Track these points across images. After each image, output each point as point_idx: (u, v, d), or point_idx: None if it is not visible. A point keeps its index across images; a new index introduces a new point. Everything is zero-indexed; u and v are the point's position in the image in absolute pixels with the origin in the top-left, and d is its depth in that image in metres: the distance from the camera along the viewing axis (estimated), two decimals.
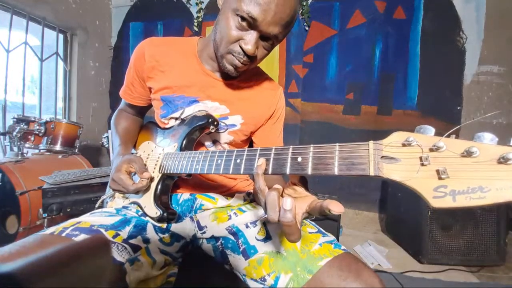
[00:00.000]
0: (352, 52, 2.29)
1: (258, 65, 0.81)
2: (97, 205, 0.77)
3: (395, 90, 2.22)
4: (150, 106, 0.88)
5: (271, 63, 2.46)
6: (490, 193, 0.27)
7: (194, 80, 0.73)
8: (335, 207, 0.37)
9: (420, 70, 2.15)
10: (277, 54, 2.46)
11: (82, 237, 0.51)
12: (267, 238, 0.59)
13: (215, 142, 0.77)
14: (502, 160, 0.27)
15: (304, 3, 2.31)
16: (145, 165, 0.66)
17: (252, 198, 0.79)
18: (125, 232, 0.57)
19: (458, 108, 2.10)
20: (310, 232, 0.59)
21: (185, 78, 0.73)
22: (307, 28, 2.35)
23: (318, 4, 2.32)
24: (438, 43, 2.11)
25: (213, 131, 0.71)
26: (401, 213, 1.85)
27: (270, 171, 0.42)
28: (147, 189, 0.66)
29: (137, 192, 0.62)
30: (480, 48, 2.05)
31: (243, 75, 0.76)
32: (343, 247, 0.55)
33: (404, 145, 0.32)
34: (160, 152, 0.69)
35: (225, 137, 0.76)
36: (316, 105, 2.40)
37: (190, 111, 0.73)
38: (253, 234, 0.62)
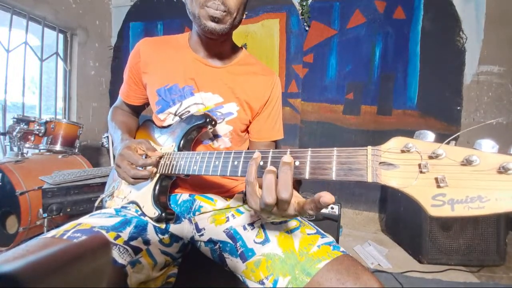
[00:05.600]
0: (352, 52, 2.28)
1: (255, 56, 0.81)
2: (96, 204, 0.76)
3: (395, 90, 2.22)
4: (144, 106, 0.89)
5: (271, 63, 2.46)
6: (488, 203, 0.27)
7: (187, 68, 0.73)
8: (326, 196, 0.35)
9: (420, 70, 2.15)
10: (277, 54, 2.46)
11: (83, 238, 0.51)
12: (266, 240, 0.59)
13: (215, 136, 0.77)
14: (502, 170, 0.26)
15: (304, 3, 2.31)
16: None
17: None
18: (126, 234, 0.57)
19: (458, 108, 2.10)
20: (308, 234, 0.58)
21: (178, 67, 0.74)
22: (307, 28, 2.35)
23: (318, 4, 2.32)
24: (438, 43, 2.10)
25: (211, 130, 0.71)
26: (401, 213, 1.84)
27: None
28: (146, 189, 0.66)
29: (138, 179, 0.61)
30: (480, 48, 2.04)
31: (235, 61, 0.76)
32: (342, 249, 0.55)
33: (403, 151, 0.32)
34: None
35: (223, 128, 0.75)
36: (316, 105, 2.39)
37: (186, 104, 0.73)
38: (251, 237, 0.61)
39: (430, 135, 0.31)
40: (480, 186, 0.27)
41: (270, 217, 0.44)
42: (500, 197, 0.26)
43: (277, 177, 0.39)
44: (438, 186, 0.29)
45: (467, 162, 0.28)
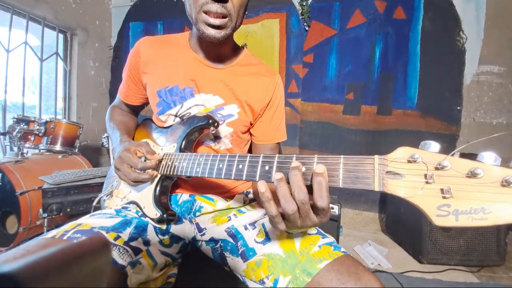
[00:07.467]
0: (352, 52, 2.28)
1: (257, 57, 0.80)
2: (94, 203, 0.76)
3: (395, 90, 2.22)
4: (143, 106, 0.89)
5: (271, 63, 2.46)
6: (491, 215, 0.28)
7: (187, 68, 0.73)
8: (318, 167, 0.37)
9: (420, 70, 2.15)
10: (277, 54, 2.46)
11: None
12: (266, 240, 0.59)
13: (216, 138, 0.76)
14: (505, 183, 0.27)
15: (304, 3, 2.31)
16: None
17: (251, 198, 0.79)
18: (126, 234, 0.57)
19: (458, 108, 2.10)
20: (309, 234, 0.58)
21: (178, 67, 0.73)
22: (307, 28, 2.35)
23: (318, 4, 2.32)
24: (438, 43, 2.10)
25: (213, 132, 0.70)
26: (401, 213, 1.84)
27: (273, 179, 0.42)
28: (146, 190, 0.66)
29: (138, 182, 0.61)
30: (480, 48, 2.04)
31: (237, 61, 0.75)
32: (342, 249, 0.55)
33: (409, 161, 0.32)
34: (159, 152, 0.69)
35: (224, 129, 0.75)
36: (316, 105, 2.39)
37: (187, 105, 0.73)
38: (252, 236, 0.61)
39: (435, 146, 0.32)
40: (484, 198, 0.28)
41: (294, 229, 0.43)
42: (502, 209, 0.27)
43: (288, 183, 0.39)
44: (444, 197, 0.30)
45: (472, 175, 0.29)
